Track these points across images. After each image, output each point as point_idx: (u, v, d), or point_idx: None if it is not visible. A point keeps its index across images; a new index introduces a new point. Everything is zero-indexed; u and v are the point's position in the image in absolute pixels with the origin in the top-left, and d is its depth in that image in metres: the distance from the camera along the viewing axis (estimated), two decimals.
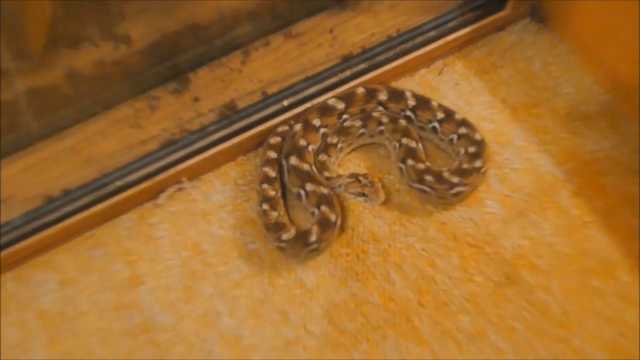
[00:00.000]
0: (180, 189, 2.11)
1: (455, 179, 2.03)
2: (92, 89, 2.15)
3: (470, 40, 2.29)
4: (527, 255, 2.02)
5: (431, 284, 2.00)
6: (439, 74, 2.28)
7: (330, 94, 2.17)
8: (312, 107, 2.15)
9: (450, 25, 2.27)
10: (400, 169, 2.09)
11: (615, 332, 1.93)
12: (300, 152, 2.08)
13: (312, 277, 2.01)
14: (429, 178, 2.03)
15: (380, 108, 2.16)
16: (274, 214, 2.02)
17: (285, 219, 2.04)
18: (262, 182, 2.06)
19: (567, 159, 2.14)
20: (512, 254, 2.03)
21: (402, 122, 2.12)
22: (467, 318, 1.95)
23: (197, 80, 2.19)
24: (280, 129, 2.14)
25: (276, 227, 2.00)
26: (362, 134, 2.14)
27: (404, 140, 2.09)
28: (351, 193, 2.02)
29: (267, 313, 1.97)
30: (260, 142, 2.16)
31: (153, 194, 2.09)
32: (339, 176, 2.04)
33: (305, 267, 2.02)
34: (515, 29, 2.33)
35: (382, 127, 2.13)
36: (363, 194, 1.99)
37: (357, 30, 2.27)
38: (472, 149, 2.08)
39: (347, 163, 2.16)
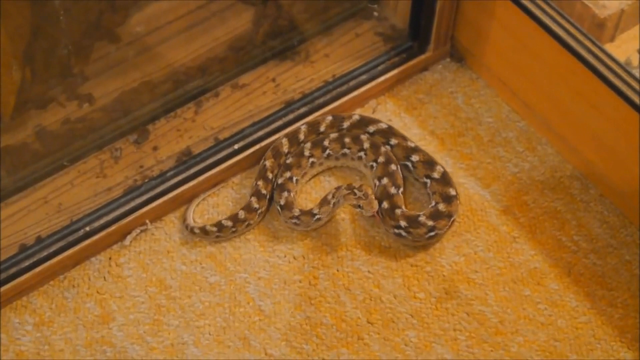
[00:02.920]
0: (144, 230, 1.94)
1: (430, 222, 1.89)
2: (60, 144, 2.03)
3: (398, 81, 2.16)
4: (463, 271, 1.88)
5: (378, 303, 1.84)
6: (373, 112, 2.12)
7: (277, 135, 2.04)
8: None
9: (379, 68, 2.14)
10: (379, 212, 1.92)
11: (549, 336, 1.79)
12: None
13: (269, 304, 1.84)
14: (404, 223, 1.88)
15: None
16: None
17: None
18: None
19: (492, 181, 2.01)
20: (449, 270, 1.88)
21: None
22: (413, 332, 1.80)
23: (155, 131, 2.06)
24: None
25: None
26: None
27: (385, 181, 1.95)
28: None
29: (229, 340, 1.79)
30: (215, 183, 2.00)
31: (120, 236, 1.93)
32: (337, 188, 1.90)
33: (262, 295, 1.85)
34: (438, 68, 2.19)
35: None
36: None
37: (296, 78, 2.15)
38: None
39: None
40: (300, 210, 1.90)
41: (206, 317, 1.81)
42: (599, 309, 1.82)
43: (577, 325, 1.80)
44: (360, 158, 1.99)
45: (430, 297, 1.84)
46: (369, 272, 1.87)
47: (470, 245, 1.91)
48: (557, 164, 2.02)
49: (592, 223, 1.93)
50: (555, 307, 1.82)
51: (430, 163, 1.96)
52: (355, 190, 1.86)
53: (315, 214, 1.88)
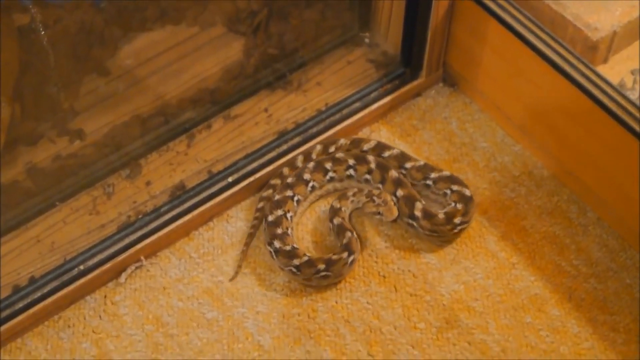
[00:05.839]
0: (139, 267, 1.92)
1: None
2: (52, 181, 2.01)
3: (392, 107, 2.16)
4: (463, 299, 1.87)
5: (378, 334, 1.82)
6: None
7: (271, 167, 2.03)
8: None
9: (372, 96, 2.14)
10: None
11: None
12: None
13: (268, 339, 1.81)
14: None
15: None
16: None
17: None
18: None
19: (489, 207, 2.00)
20: (449, 299, 1.87)
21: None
22: None
23: (148, 165, 2.05)
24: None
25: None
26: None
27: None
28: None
29: None
30: (209, 217, 1.99)
31: (114, 274, 1.91)
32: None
33: (261, 330, 1.83)
34: (431, 94, 2.19)
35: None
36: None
37: (289, 108, 2.14)
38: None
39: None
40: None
41: (205, 354, 1.79)
42: (602, 334, 1.81)
43: (580, 351, 1.79)
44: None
45: (431, 327, 1.82)
46: (368, 303, 1.86)
47: (470, 272, 1.89)
48: (554, 187, 2.01)
49: (592, 247, 1.92)
50: (557, 333, 1.81)
51: None
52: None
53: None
